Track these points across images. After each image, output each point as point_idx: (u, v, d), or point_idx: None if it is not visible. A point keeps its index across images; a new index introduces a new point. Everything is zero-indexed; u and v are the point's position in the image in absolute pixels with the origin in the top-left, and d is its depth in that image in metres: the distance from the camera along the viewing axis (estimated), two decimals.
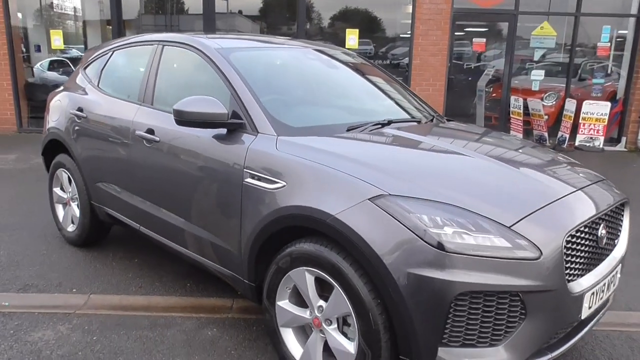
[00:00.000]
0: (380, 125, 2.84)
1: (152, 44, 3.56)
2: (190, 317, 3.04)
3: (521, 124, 9.03)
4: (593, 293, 2.18)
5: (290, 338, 2.46)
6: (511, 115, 9.23)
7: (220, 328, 2.94)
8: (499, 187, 2.23)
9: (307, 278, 2.29)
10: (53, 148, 4.16)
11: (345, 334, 2.24)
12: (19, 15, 9.97)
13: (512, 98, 9.21)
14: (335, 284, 2.17)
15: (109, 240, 4.15)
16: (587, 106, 8.84)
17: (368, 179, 2.14)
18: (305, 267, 2.28)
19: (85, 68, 4.24)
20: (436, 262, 1.92)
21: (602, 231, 2.25)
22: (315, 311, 2.30)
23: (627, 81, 9.27)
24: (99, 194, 3.69)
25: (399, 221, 1.99)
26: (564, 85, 9.46)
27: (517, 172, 2.39)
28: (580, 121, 8.89)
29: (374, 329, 2.06)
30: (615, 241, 2.50)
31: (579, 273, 2.14)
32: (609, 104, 8.86)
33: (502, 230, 1.96)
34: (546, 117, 9.16)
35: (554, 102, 9.55)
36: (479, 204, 2.04)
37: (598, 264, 2.30)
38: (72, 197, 4.01)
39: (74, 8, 11.12)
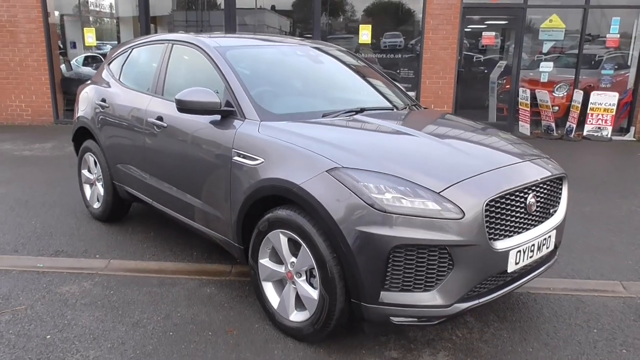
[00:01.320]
0: (353, 113, 3.27)
1: (163, 43, 4.07)
2: (193, 279, 3.54)
3: (528, 115, 9.24)
4: (520, 251, 2.57)
5: (270, 290, 2.93)
6: (519, 107, 9.46)
7: (218, 287, 3.42)
8: (436, 160, 2.65)
9: (281, 239, 2.75)
10: (81, 135, 4.74)
11: (311, 285, 2.69)
12: (56, 13, 10.68)
13: (520, 89, 9.43)
14: (302, 243, 2.62)
15: (129, 217, 4.70)
16: (595, 97, 9.00)
17: (327, 154, 2.58)
18: (279, 230, 2.74)
19: (109, 64, 4.79)
20: (378, 221, 2.36)
21: (530, 200, 2.63)
22: (289, 266, 2.76)
23: (637, 72, 9.37)
24: (119, 174, 4.23)
25: (349, 189, 2.43)
26: (573, 76, 9.62)
27: (453, 149, 2.80)
28: (588, 111, 9.06)
29: (330, 278, 2.50)
30: (552, 210, 2.87)
31: (505, 233, 2.53)
32: (617, 94, 9.00)
33: (433, 196, 2.38)
34: (556, 108, 9.35)
35: (565, 94, 9.72)
36: (416, 174, 2.46)
37: (530, 228, 2.68)
38: (97, 178, 4.58)
39: (109, 5, 11.79)
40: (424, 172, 2.50)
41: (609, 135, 9.08)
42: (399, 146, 2.84)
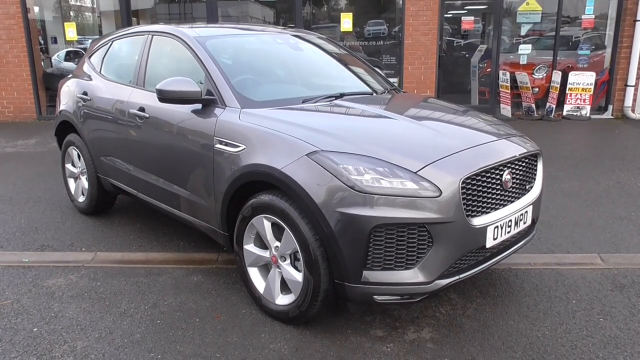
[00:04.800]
0: (333, 98, 3.31)
1: (143, 34, 4.06)
2: (180, 268, 3.58)
3: (509, 97, 9.36)
4: (497, 227, 2.65)
5: (255, 275, 2.97)
6: (500, 89, 9.56)
7: (205, 275, 3.46)
8: (413, 141, 2.71)
9: (265, 224, 2.79)
10: (64, 129, 4.72)
11: (296, 268, 2.74)
12: (36, 8, 10.52)
13: (501, 72, 9.53)
14: (285, 226, 2.66)
15: (115, 210, 4.72)
16: (573, 77, 9.13)
17: (307, 139, 2.62)
18: (263, 215, 2.78)
19: (90, 57, 4.77)
20: (358, 202, 2.41)
21: (506, 177, 2.70)
22: (273, 250, 2.80)
23: (613, 51, 9.51)
24: (103, 167, 4.23)
25: (328, 171, 2.47)
26: (552, 58, 9.73)
27: (430, 130, 2.86)
28: (567, 92, 9.19)
29: (313, 260, 2.55)
30: (528, 186, 2.95)
31: (482, 210, 2.60)
32: (594, 74, 9.14)
33: (411, 175, 2.44)
34: (536, 89, 9.47)
35: (544, 75, 9.83)
36: (394, 155, 2.51)
37: (507, 204, 2.75)
38: (81, 172, 4.57)
39: (91, 0, 11.64)
40: (402, 153, 2.55)
41: (587, 114, 9.23)
42: (378, 129, 2.89)
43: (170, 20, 11.34)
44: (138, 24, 11.16)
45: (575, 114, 9.26)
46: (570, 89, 9.20)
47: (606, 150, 7.22)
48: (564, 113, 9.32)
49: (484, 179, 2.61)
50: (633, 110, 9.34)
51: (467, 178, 2.51)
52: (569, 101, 9.25)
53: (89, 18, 12.11)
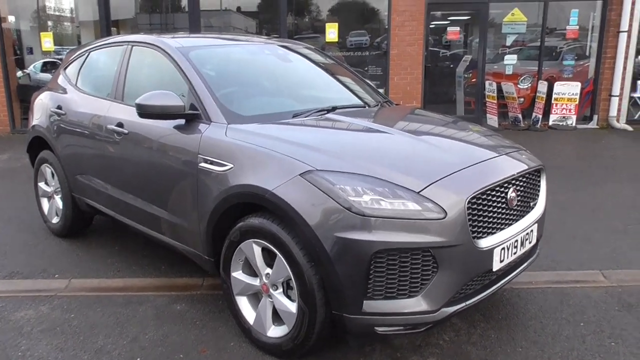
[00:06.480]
0: (325, 112, 3.12)
1: (122, 45, 3.84)
2: (162, 295, 3.33)
3: (496, 107, 9.30)
4: (504, 248, 2.47)
5: (244, 305, 2.74)
6: (486, 99, 9.51)
7: (189, 303, 3.22)
8: (413, 158, 2.53)
9: (254, 249, 2.58)
10: (37, 145, 4.44)
11: (289, 297, 2.53)
12: (12, 18, 10.20)
13: (487, 82, 9.48)
14: (277, 252, 2.45)
15: (92, 230, 4.44)
16: (559, 87, 9.13)
17: (300, 157, 2.42)
18: (252, 239, 2.56)
19: (65, 68, 4.52)
20: (357, 225, 2.21)
21: (511, 194, 2.54)
22: (264, 278, 2.58)
23: (597, 62, 9.54)
24: (79, 186, 3.97)
25: (324, 192, 2.27)
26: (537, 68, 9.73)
27: (430, 145, 2.68)
28: (552, 102, 9.17)
29: (309, 289, 2.34)
30: (532, 204, 2.79)
31: (488, 231, 2.43)
32: (579, 84, 9.15)
33: (413, 196, 2.25)
34: (522, 99, 9.44)
35: (529, 85, 9.82)
36: (394, 174, 2.33)
37: (512, 223, 2.58)
38: (55, 191, 4.30)
39: (70, 9, 11.34)
40: (402, 171, 2.37)
41: (573, 124, 9.22)
42: (375, 145, 2.70)
43: (152, 30, 11.10)
44: (118, 34, 10.89)
45: (561, 123, 9.24)
46: (556, 99, 9.19)
47: (595, 160, 7.16)
48: (550, 123, 9.30)
49: (490, 197, 2.44)
50: (618, 120, 9.36)
51: (473, 197, 2.33)
52: (554, 111, 9.24)
53: (67, 28, 11.80)
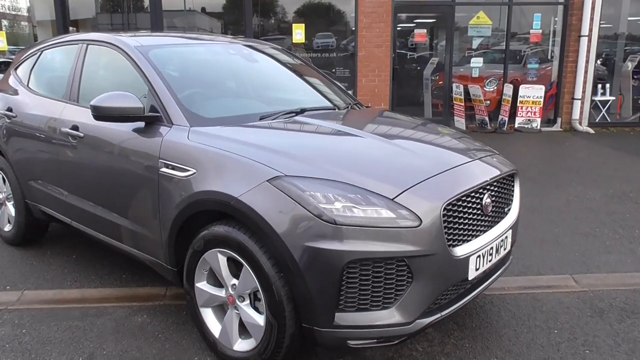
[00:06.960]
0: (293, 114, 3.01)
1: (77, 44, 3.63)
2: (122, 306, 3.14)
3: (463, 110, 9.37)
4: (479, 256, 2.40)
5: (209, 317, 2.60)
6: (454, 102, 9.57)
7: (151, 314, 3.05)
8: (386, 163, 2.43)
9: (219, 259, 2.44)
10: None
11: (257, 309, 2.40)
12: None
13: (454, 85, 9.54)
14: (244, 262, 2.32)
15: (48, 239, 4.20)
16: (524, 90, 9.26)
17: (267, 162, 2.30)
18: (217, 249, 2.42)
19: (16, 68, 4.27)
20: (328, 234, 2.10)
21: (486, 200, 2.47)
22: (229, 289, 2.45)
23: (560, 65, 9.73)
24: (32, 192, 3.74)
25: (293, 199, 2.15)
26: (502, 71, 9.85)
27: (403, 150, 2.59)
28: (517, 104, 9.30)
29: (277, 301, 2.22)
30: (506, 209, 2.74)
31: (463, 238, 2.35)
32: (543, 87, 9.30)
33: (387, 202, 2.15)
34: (488, 102, 9.54)
35: (495, 88, 9.93)
36: (367, 180, 2.23)
37: (487, 230, 2.52)
38: (7, 197, 4.05)
39: (26, 8, 10.91)
40: (375, 176, 2.27)
41: (538, 127, 9.37)
42: (346, 149, 2.60)
43: (113, 30, 10.75)
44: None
45: (526, 126, 9.37)
46: (521, 102, 9.32)
47: (560, 163, 7.26)
48: (516, 125, 9.43)
49: (465, 204, 2.36)
50: (580, 123, 9.56)
51: (449, 204, 2.25)
52: (520, 114, 9.36)
53: (24, 28, 11.35)
